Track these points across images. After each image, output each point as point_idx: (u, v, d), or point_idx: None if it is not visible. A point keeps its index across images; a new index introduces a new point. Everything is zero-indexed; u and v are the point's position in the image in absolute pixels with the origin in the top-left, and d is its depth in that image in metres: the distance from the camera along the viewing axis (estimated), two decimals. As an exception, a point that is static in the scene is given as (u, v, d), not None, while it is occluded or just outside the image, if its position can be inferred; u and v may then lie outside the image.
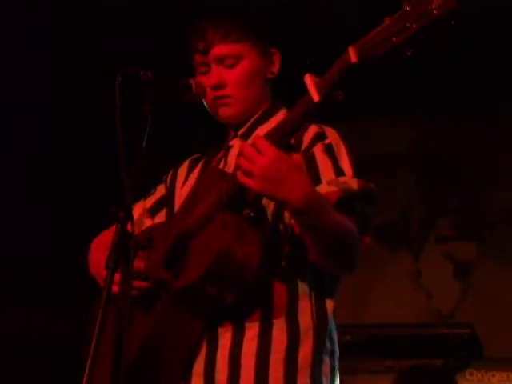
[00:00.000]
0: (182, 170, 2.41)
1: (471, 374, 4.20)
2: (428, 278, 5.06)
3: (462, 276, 5.03)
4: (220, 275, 1.97)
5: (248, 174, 1.85)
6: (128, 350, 2.03)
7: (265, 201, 2.04)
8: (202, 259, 1.98)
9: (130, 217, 1.86)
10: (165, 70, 2.10)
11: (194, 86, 2.17)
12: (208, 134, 2.32)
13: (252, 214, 2.00)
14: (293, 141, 2.02)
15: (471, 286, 4.98)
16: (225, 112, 2.24)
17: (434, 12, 1.66)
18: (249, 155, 1.85)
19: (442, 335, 4.34)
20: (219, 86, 2.21)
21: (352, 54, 1.76)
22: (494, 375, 4.19)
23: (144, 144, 1.95)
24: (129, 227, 1.85)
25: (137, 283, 2.10)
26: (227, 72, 2.21)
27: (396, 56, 1.73)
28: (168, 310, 2.08)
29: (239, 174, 1.88)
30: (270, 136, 1.90)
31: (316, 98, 1.82)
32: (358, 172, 2.09)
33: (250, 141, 2.23)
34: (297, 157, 1.90)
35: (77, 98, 4.54)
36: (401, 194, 5.13)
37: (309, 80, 1.84)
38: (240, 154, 1.89)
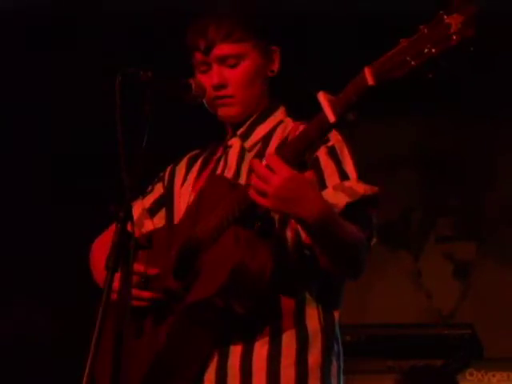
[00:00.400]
0: (181, 167, 2.39)
1: (471, 374, 4.20)
2: (428, 277, 5.06)
3: (462, 276, 5.03)
4: (234, 290, 1.97)
5: (262, 193, 1.86)
6: (141, 361, 2.06)
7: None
8: (215, 274, 1.98)
9: (130, 217, 1.85)
10: (165, 70, 2.09)
11: (194, 86, 2.16)
12: (208, 133, 2.32)
13: (262, 225, 2.01)
14: (287, 135, 2.05)
15: (471, 286, 4.98)
16: (226, 112, 2.23)
17: (454, 37, 1.64)
18: (262, 175, 1.85)
19: (442, 335, 4.34)
20: (221, 86, 2.20)
21: (368, 76, 1.74)
22: (494, 375, 4.19)
23: (144, 144, 1.95)
24: (129, 227, 1.85)
25: (136, 292, 2.09)
26: (229, 72, 2.20)
27: (416, 78, 1.71)
28: (180, 324, 2.08)
29: (252, 192, 1.88)
30: (283, 153, 1.89)
31: (332, 118, 1.80)
32: (361, 174, 2.09)
33: (249, 141, 2.24)
34: (309, 174, 1.90)
35: (77, 97, 4.53)
36: (401, 194, 5.12)
37: (323, 98, 1.81)
38: (253, 172, 1.89)
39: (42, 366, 4.69)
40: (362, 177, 2.09)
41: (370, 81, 1.73)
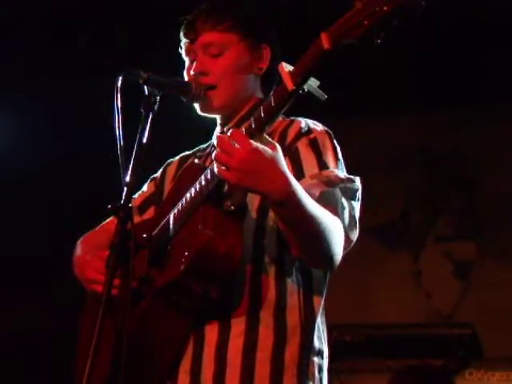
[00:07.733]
0: (172, 167, 2.39)
1: (471, 374, 4.21)
2: (428, 277, 5.06)
3: (461, 276, 5.04)
4: (202, 269, 1.94)
5: (226, 167, 1.83)
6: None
7: (249, 196, 2.03)
8: (183, 254, 1.95)
9: (130, 217, 1.85)
10: (165, 69, 2.10)
11: (194, 86, 2.17)
12: (207, 134, 2.32)
13: (233, 207, 1.99)
14: (271, 129, 2.02)
15: (471, 286, 4.99)
16: (209, 103, 2.20)
17: None
18: (226, 148, 1.83)
19: (442, 335, 4.35)
20: (201, 73, 2.19)
21: (324, 40, 1.74)
22: (493, 375, 4.20)
23: (144, 143, 1.95)
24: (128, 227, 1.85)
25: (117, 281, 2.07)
26: (211, 61, 2.20)
27: (368, 40, 1.72)
28: (152, 308, 2.05)
29: (217, 167, 1.86)
30: (247, 128, 1.88)
31: (290, 86, 1.80)
32: (343, 166, 2.08)
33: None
34: (272, 147, 1.87)
35: (77, 97, 4.54)
36: (401, 194, 5.13)
37: (283, 69, 1.83)
38: (217, 148, 1.86)
39: (41, 366, 4.70)
40: (344, 169, 2.07)
41: (326, 44, 1.74)
